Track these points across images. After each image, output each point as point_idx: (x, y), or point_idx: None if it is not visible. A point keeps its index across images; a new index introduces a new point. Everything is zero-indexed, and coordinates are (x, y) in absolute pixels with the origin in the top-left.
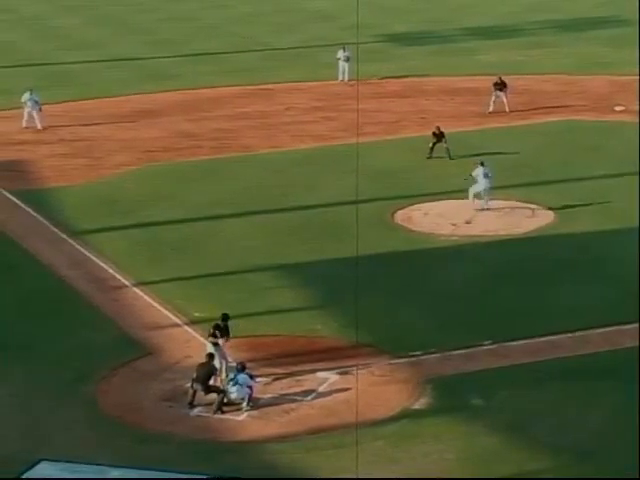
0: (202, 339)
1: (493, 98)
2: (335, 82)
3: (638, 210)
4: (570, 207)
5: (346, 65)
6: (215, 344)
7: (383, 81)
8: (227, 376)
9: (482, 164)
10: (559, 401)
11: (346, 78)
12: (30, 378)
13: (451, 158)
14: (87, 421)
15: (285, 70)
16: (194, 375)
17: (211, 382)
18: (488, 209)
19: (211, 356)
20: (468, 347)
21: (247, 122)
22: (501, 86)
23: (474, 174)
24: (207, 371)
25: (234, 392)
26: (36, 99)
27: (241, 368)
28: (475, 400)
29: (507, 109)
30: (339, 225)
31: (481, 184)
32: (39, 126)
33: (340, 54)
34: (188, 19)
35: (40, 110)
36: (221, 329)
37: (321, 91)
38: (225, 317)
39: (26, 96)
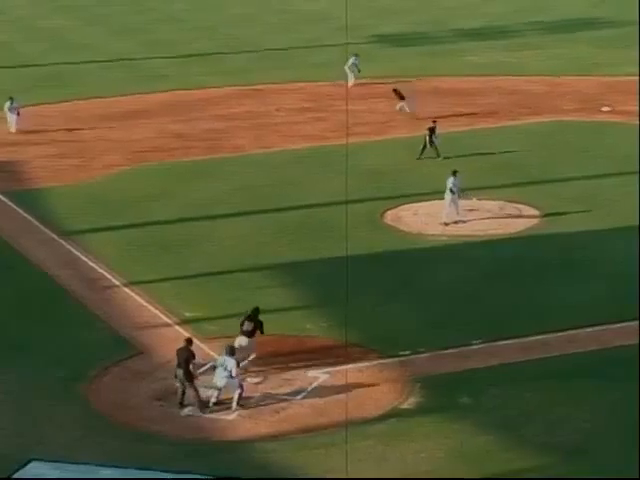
0: (193, 339)
1: (399, 105)
2: (325, 83)
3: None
4: (558, 207)
5: (355, 71)
6: (249, 335)
7: (373, 82)
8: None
9: (454, 174)
10: (549, 400)
11: (355, 79)
12: (23, 377)
13: (438, 156)
14: (79, 420)
15: (276, 71)
16: (175, 361)
17: (190, 367)
18: (462, 221)
19: (189, 341)
20: (458, 346)
21: (238, 122)
22: (399, 96)
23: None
24: (186, 356)
25: (223, 378)
26: (16, 106)
27: (230, 352)
28: (464, 399)
29: (407, 110)
30: (330, 225)
31: (446, 200)
32: (13, 129)
33: (351, 60)
34: (179, 20)
35: (18, 114)
36: (254, 320)
37: (311, 92)
38: (256, 310)
39: (7, 104)
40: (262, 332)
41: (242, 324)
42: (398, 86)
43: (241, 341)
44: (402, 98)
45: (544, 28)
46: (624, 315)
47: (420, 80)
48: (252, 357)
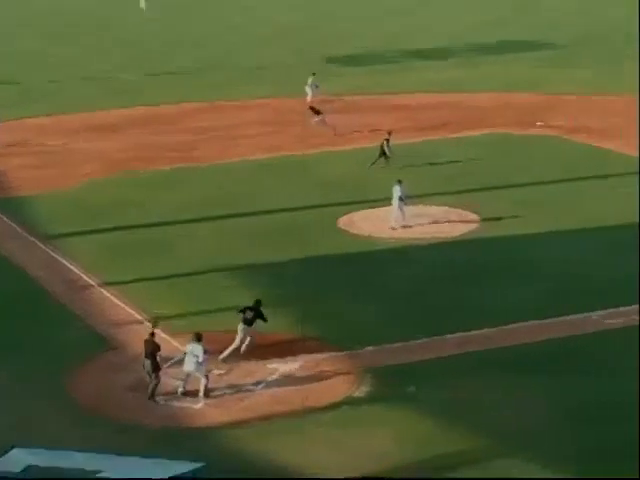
0: (163, 334)
1: (317, 120)
2: (290, 99)
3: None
4: (497, 212)
5: (313, 89)
6: (249, 324)
7: (331, 98)
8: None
9: (399, 182)
10: (488, 388)
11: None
12: (7, 372)
13: (388, 165)
14: (59, 411)
15: (241, 87)
16: (143, 353)
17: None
18: (409, 225)
19: (153, 333)
20: (406, 340)
21: (207, 134)
22: (315, 112)
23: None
24: (152, 348)
25: (192, 363)
26: None
27: (197, 339)
28: (410, 388)
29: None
30: (289, 229)
31: (394, 206)
32: None
33: (310, 79)
34: (150, 39)
35: None
36: (255, 310)
37: (274, 107)
38: (258, 302)
39: None
40: (265, 320)
41: (243, 312)
42: (314, 104)
43: (240, 327)
44: (318, 113)
45: (487, 49)
46: (559, 311)
47: (370, 96)
48: (248, 342)
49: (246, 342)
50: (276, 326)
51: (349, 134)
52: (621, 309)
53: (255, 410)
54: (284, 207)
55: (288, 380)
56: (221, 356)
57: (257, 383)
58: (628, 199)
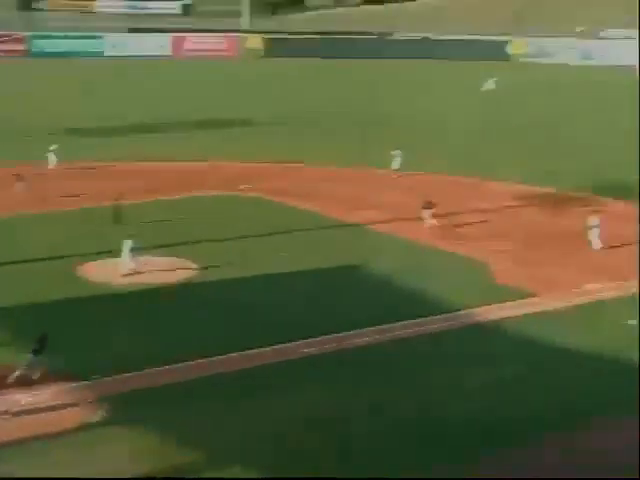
0: None
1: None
2: (30, 165)
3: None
4: (212, 262)
5: (53, 155)
6: (35, 354)
7: (70, 166)
8: None
9: (129, 236)
10: (212, 410)
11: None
12: None
13: (120, 222)
14: None
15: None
16: None
17: None
18: (139, 272)
19: None
20: (140, 370)
21: None
22: (18, 178)
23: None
24: None
25: None
26: None
27: None
28: (140, 412)
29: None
30: (35, 277)
31: (126, 257)
32: None
33: (51, 148)
34: None
35: None
36: (41, 342)
37: (19, 171)
38: (44, 336)
39: None
40: (42, 349)
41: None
42: (18, 171)
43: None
44: (20, 180)
45: (202, 125)
46: (266, 341)
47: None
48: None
49: (34, 370)
50: (20, 361)
51: (77, 197)
52: (319, 338)
53: (1, 437)
54: (29, 257)
55: (32, 409)
56: (10, 378)
57: (3, 412)
58: (316, 252)
